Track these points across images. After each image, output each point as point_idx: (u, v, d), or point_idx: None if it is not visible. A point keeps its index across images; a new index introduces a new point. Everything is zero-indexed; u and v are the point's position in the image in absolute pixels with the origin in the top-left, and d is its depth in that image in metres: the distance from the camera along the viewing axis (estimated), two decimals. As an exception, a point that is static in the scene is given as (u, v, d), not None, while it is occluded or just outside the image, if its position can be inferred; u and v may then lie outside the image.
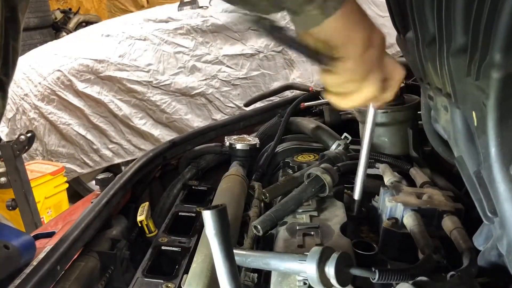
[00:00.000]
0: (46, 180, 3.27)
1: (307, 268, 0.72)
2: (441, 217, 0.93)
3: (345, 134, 1.45)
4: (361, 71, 0.76)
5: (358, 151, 1.38)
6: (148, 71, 3.90)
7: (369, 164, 1.24)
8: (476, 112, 0.74)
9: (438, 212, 0.94)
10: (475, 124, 0.74)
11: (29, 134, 2.71)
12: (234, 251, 0.64)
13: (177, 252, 1.10)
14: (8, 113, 3.96)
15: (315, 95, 1.89)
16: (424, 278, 0.71)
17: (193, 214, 1.28)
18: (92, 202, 1.18)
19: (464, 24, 0.75)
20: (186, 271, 0.94)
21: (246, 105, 2.29)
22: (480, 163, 0.75)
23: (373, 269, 0.72)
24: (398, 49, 4.01)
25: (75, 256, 1.03)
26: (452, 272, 0.74)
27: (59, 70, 3.81)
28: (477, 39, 0.69)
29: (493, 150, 0.68)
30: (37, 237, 1.26)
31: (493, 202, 0.71)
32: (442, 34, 0.81)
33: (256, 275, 0.90)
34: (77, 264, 1.02)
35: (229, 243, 0.61)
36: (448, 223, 0.90)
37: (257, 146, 1.53)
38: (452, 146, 0.92)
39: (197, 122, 4.03)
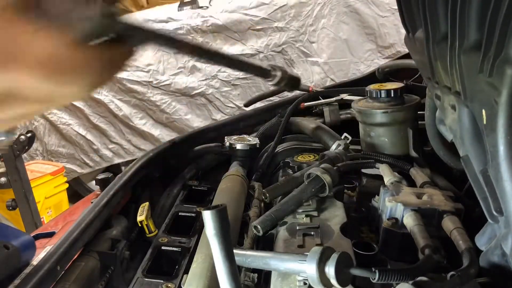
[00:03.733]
0: (46, 180, 3.28)
1: (307, 268, 0.72)
2: (441, 217, 0.93)
3: (345, 134, 1.45)
4: None
5: (358, 151, 1.39)
6: (148, 71, 3.90)
7: (369, 164, 1.25)
8: (486, 110, 0.73)
9: (438, 212, 0.94)
10: (484, 122, 0.74)
11: (29, 134, 2.71)
12: (234, 251, 0.64)
13: (177, 252, 1.10)
14: (8, 113, 3.96)
15: (315, 95, 1.88)
16: (424, 278, 0.71)
17: (193, 214, 1.28)
18: (92, 202, 1.18)
19: (479, 20, 0.75)
20: (186, 271, 0.94)
21: (246, 105, 2.28)
22: (487, 162, 0.75)
23: (373, 269, 0.72)
24: (398, 49, 4.00)
25: (75, 256, 1.03)
26: (452, 272, 0.74)
27: (59, 70, 3.81)
28: (492, 35, 0.69)
29: (501, 148, 0.68)
30: (37, 237, 1.26)
31: (499, 201, 0.71)
32: (455, 31, 0.81)
33: (256, 275, 0.90)
34: (77, 264, 1.02)
35: (229, 243, 0.61)
36: (448, 223, 0.90)
37: (257, 146, 1.52)
38: (458, 145, 0.92)
39: (197, 122, 4.03)
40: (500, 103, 0.67)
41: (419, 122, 1.34)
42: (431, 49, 0.95)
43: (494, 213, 0.72)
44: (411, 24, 1.09)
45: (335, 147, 1.39)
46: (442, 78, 0.94)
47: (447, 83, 0.92)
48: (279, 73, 0.65)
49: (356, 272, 0.72)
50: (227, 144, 1.52)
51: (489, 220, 0.75)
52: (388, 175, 1.15)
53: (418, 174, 1.17)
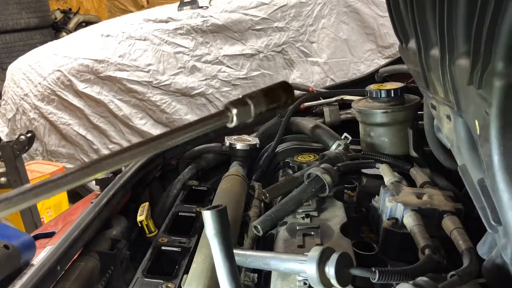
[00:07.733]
0: (46, 180, 3.27)
1: (307, 268, 0.72)
2: (441, 217, 0.93)
3: (345, 134, 1.46)
4: None
5: (358, 151, 1.39)
6: (148, 71, 3.90)
7: (369, 164, 1.25)
8: (479, 121, 0.73)
9: (438, 212, 0.94)
10: (478, 132, 0.74)
11: (29, 134, 2.71)
12: (234, 251, 0.64)
13: (177, 252, 1.10)
14: (8, 113, 3.97)
15: (315, 95, 1.88)
16: (424, 278, 0.71)
17: (193, 214, 1.28)
18: (92, 202, 1.18)
19: (466, 32, 0.75)
20: (186, 271, 0.94)
21: (246, 105, 2.28)
22: (483, 172, 0.75)
23: (373, 269, 0.72)
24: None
25: (75, 256, 1.03)
26: (452, 272, 0.74)
27: (59, 70, 3.81)
28: (479, 48, 0.69)
29: (496, 159, 0.68)
30: (37, 237, 1.26)
31: (496, 211, 0.71)
32: (444, 43, 0.81)
33: (256, 275, 0.90)
34: (77, 264, 1.02)
35: (229, 243, 0.61)
36: (448, 223, 0.90)
37: (257, 146, 1.52)
38: (455, 155, 0.92)
39: (197, 122, 4.03)
40: (491, 115, 0.67)
41: (419, 122, 1.34)
42: (424, 60, 0.95)
43: (493, 223, 0.72)
44: (403, 35, 1.09)
45: (335, 147, 1.39)
46: (436, 88, 0.94)
47: (441, 93, 0.92)
48: (233, 110, 0.54)
49: (356, 272, 0.72)
50: (227, 144, 1.52)
51: (488, 230, 0.75)
52: (388, 175, 1.15)
53: (418, 174, 1.17)
